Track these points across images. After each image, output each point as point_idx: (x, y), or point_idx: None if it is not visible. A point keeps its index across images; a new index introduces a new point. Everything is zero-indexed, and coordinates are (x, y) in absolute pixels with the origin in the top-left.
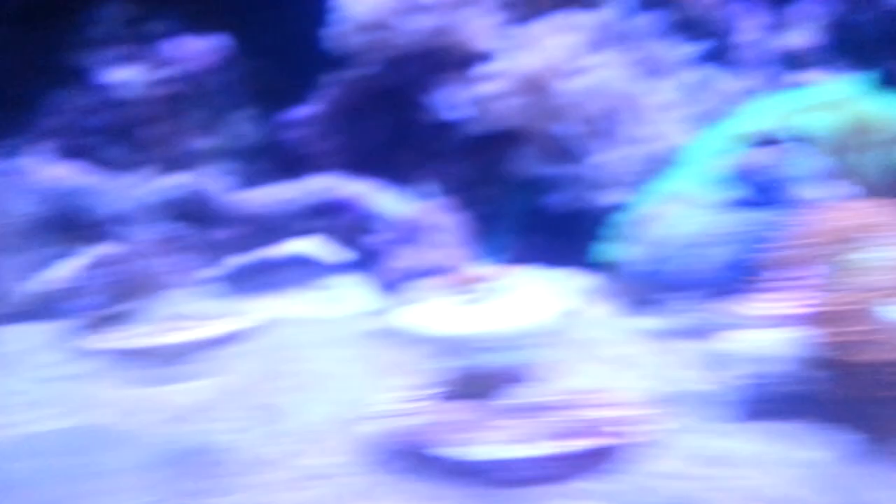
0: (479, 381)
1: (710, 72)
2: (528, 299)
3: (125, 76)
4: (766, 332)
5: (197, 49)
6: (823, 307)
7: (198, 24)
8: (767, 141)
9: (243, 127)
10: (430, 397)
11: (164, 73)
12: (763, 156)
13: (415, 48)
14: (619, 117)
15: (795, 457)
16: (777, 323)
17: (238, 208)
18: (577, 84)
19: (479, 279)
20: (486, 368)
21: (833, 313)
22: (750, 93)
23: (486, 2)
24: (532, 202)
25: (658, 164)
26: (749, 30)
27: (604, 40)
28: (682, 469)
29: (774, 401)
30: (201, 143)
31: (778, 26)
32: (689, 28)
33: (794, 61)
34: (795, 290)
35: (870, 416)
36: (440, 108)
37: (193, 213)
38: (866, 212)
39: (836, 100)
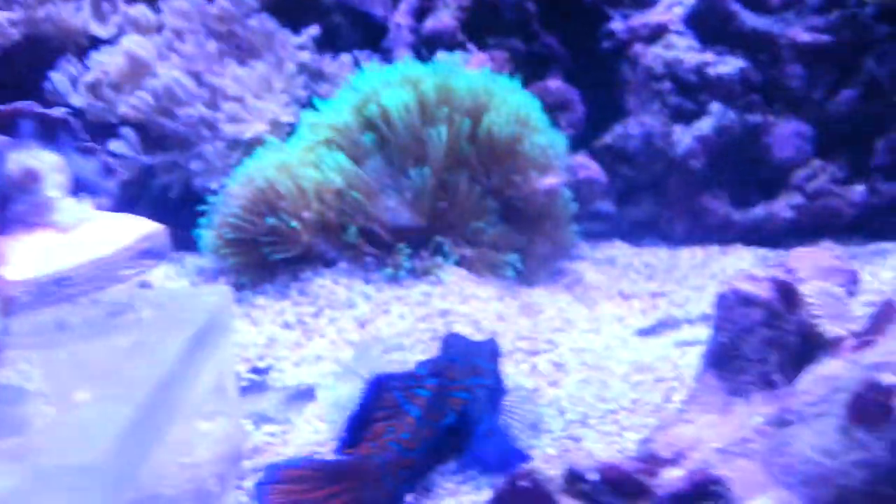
0: None
1: (322, 55)
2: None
3: None
4: None
5: None
6: None
7: None
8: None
9: None
10: None
11: None
12: None
13: (21, 38)
14: (222, 105)
15: None
16: None
17: None
18: (166, 75)
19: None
20: None
21: None
22: (354, 73)
23: None
24: (150, 188)
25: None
26: (390, 11)
27: (195, 30)
28: None
29: None
30: None
31: (421, 9)
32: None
33: (436, 42)
34: None
35: None
36: (54, 97)
37: None
38: None
39: (419, 75)
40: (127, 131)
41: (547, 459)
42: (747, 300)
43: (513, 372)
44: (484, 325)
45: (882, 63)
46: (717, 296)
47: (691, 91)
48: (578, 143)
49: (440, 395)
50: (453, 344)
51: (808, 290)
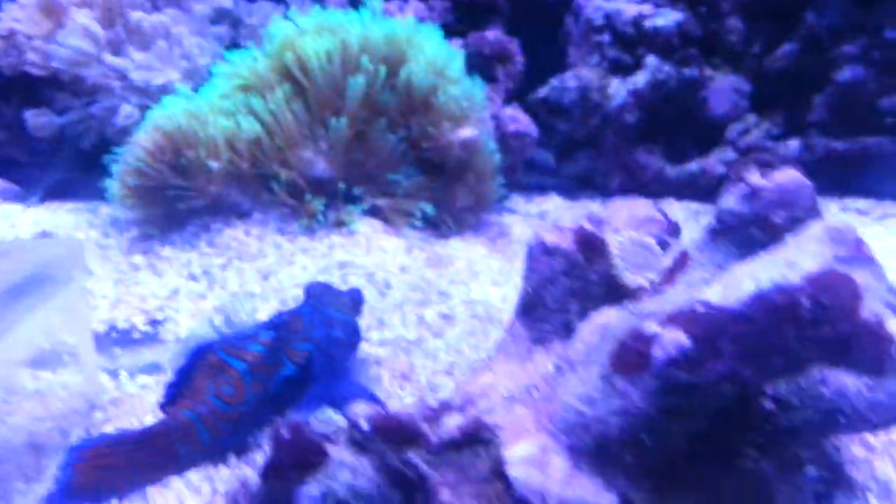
0: None
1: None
2: None
3: None
4: None
5: None
6: None
7: None
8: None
9: None
10: None
11: None
12: None
13: None
14: (132, 53)
15: None
16: None
17: None
18: (77, 24)
19: None
20: None
21: None
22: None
23: None
24: (64, 143)
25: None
26: None
27: None
28: None
29: None
30: None
31: None
32: None
33: None
34: None
35: None
36: None
37: None
38: None
39: (338, 23)
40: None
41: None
42: (550, 250)
43: (398, 322)
44: (378, 276)
45: (822, 16)
46: (527, 246)
47: (629, 44)
48: (519, 95)
49: (275, 348)
50: (314, 293)
51: (616, 240)
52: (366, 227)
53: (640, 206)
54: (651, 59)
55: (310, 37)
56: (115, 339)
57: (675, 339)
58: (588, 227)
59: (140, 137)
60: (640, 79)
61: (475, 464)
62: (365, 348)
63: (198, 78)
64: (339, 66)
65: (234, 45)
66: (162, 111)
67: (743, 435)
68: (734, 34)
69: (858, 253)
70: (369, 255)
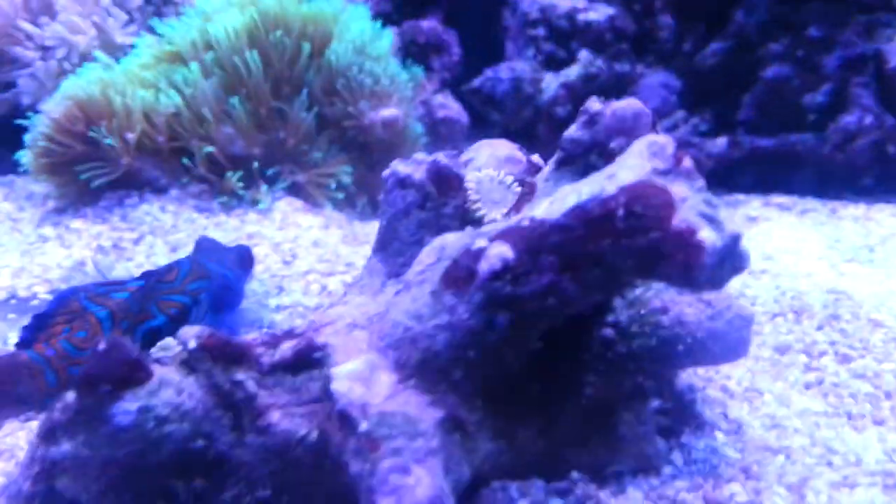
0: None
1: None
2: None
3: None
4: None
5: None
6: None
7: None
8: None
9: None
10: None
11: None
12: None
13: None
14: (50, 23)
15: None
16: None
17: None
18: None
19: None
20: None
21: None
22: None
23: None
24: None
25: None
26: None
27: None
28: None
29: None
30: None
31: None
32: None
33: None
34: None
35: None
36: None
37: None
38: None
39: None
40: None
41: None
42: (403, 182)
43: (298, 290)
44: (284, 247)
45: (750, 14)
46: (382, 179)
47: (563, 38)
48: (456, 86)
49: (144, 297)
50: (203, 247)
51: (474, 176)
52: (285, 206)
53: (503, 146)
54: (583, 54)
55: (227, 12)
56: (13, 306)
57: (499, 252)
58: (443, 160)
59: (50, 107)
60: (572, 72)
61: (308, 385)
62: (258, 313)
63: (116, 50)
64: (249, 43)
65: (158, 17)
66: (75, 80)
67: (582, 362)
68: (666, 31)
69: (677, 166)
70: (282, 230)
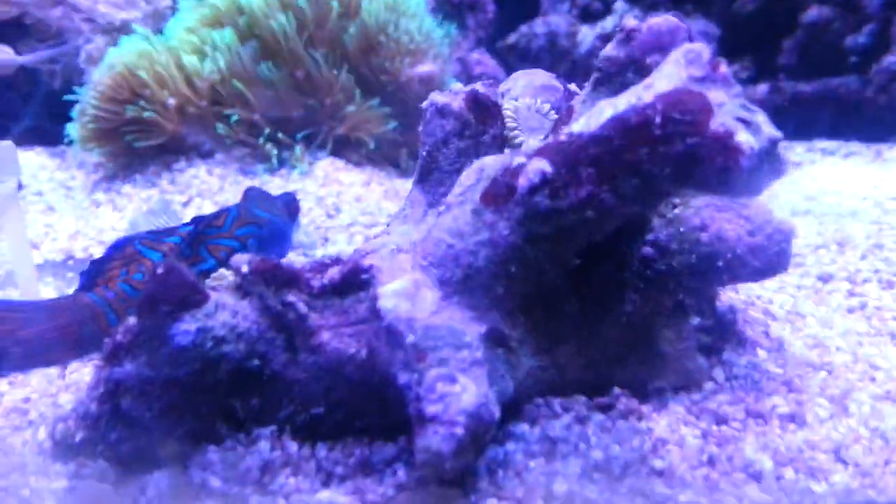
0: None
1: None
2: None
3: None
4: None
5: None
6: None
7: None
8: None
9: None
10: None
11: None
12: None
13: None
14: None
15: None
16: None
17: None
18: None
19: None
20: None
21: None
22: None
23: None
24: (33, 90)
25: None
26: None
27: None
28: None
29: None
30: None
31: None
32: None
33: None
34: None
35: None
36: None
37: None
38: None
39: None
40: None
41: None
42: (442, 111)
43: (343, 241)
44: (328, 201)
45: None
46: (423, 109)
47: None
48: (491, 43)
49: (195, 242)
50: (252, 196)
51: (511, 105)
52: (327, 165)
53: (539, 75)
54: (619, 4)
55: None
56: (70, 266)
57: (537, 167)
58: (481, 89)
59: (95, 79)
60: (608, 23)
61: (356, 307)
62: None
63: (160, 19)
64: (279, 6)
65: None
66: (118, 51)
67: (622, 280)
68: None
69: (714, 72)
70: (325, 187)
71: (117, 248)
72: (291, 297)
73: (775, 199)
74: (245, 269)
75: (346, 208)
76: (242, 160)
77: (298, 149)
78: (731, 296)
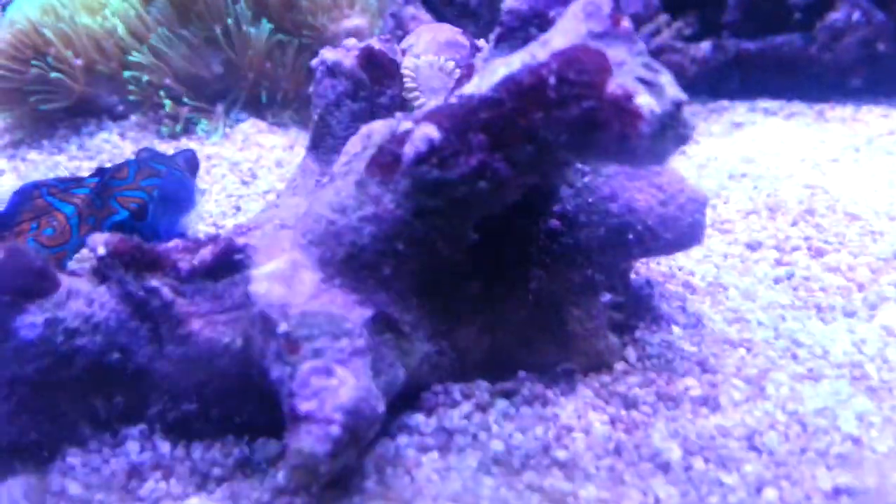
0: None
1: None
2: None
3: None
4: None
5: None
6: None
7: None
8: None
9: None
10: None
11: None
12: None
13: None
14: None
15: None
16: None
17: None
18: None
19: None
20: None
21: None
22: None
23: None
24: None
25: None
26: None
27: None
28: None
29: None
30: None
31: None
32: None
33: None
34: None
35: None
36: None
37: None
38: None
39: None
40: None
41: None
42: (333, 70)
43: (258, 209)
44: (243, 167)
45: None
46: (312, 69)
47: None
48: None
49: (104, 194)
50: (145, 157)
51: (412, 63)
52: (248, 127)
53: (445, 30)
54: None
55: None
56: None
57: (424, 133)
58: (376, 45)
59: None
60: None
61: (231, 291)
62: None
63: None
64: None
65: None
66: (18, 6)
67: (528, 256)
68: None
69: (615, 27)
70: (243, 151)
71: (23, 194)
72: (155, 282)
73: (713, 161)
74: (102, 250)
75: (264, 174)
76: (160, 122)
77: (218, 109)
78: (653, 268)
